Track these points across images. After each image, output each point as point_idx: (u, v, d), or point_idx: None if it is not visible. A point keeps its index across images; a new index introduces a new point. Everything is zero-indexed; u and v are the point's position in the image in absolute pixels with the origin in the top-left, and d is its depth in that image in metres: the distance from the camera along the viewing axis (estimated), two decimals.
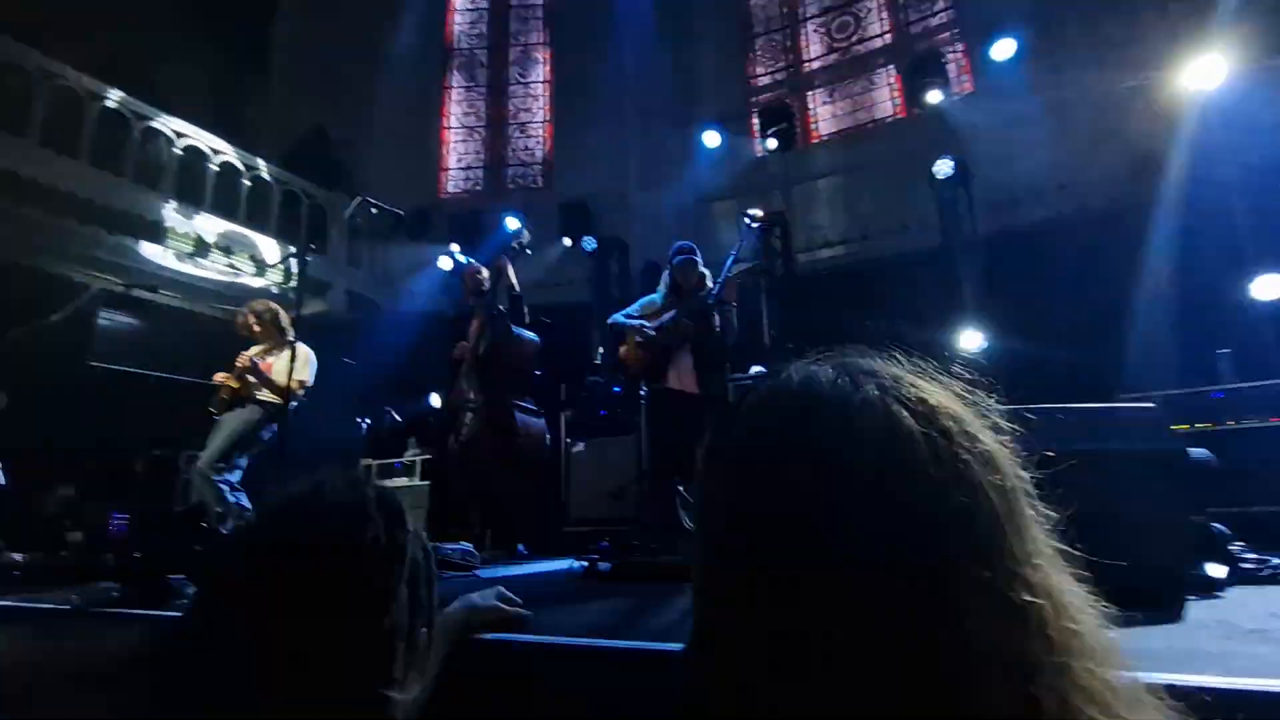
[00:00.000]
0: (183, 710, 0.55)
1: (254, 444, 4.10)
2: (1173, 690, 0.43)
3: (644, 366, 3.93)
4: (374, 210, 3.58)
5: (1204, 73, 5.51)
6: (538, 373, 4.60)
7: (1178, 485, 1.67)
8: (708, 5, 9.49)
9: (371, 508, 0.65)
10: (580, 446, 6.01)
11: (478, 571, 2.98)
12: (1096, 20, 6.92)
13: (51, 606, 2.08)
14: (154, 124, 7.10)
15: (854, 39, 8.94)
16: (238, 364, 4.18)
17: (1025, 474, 0.46)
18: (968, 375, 0.50)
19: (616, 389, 5.91)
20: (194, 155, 7.46)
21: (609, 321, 4.19)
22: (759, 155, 8.45)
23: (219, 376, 4.22)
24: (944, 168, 6.40)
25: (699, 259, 3.89)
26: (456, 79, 10.81)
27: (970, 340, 5.54)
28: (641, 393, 5.65)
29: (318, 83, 9.92)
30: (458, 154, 10.58)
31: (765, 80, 9.41)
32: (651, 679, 1.07)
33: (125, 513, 6.36)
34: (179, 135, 7.32)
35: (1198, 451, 1.89)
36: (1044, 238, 6.26)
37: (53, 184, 6.14)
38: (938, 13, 8.41)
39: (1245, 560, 1.90)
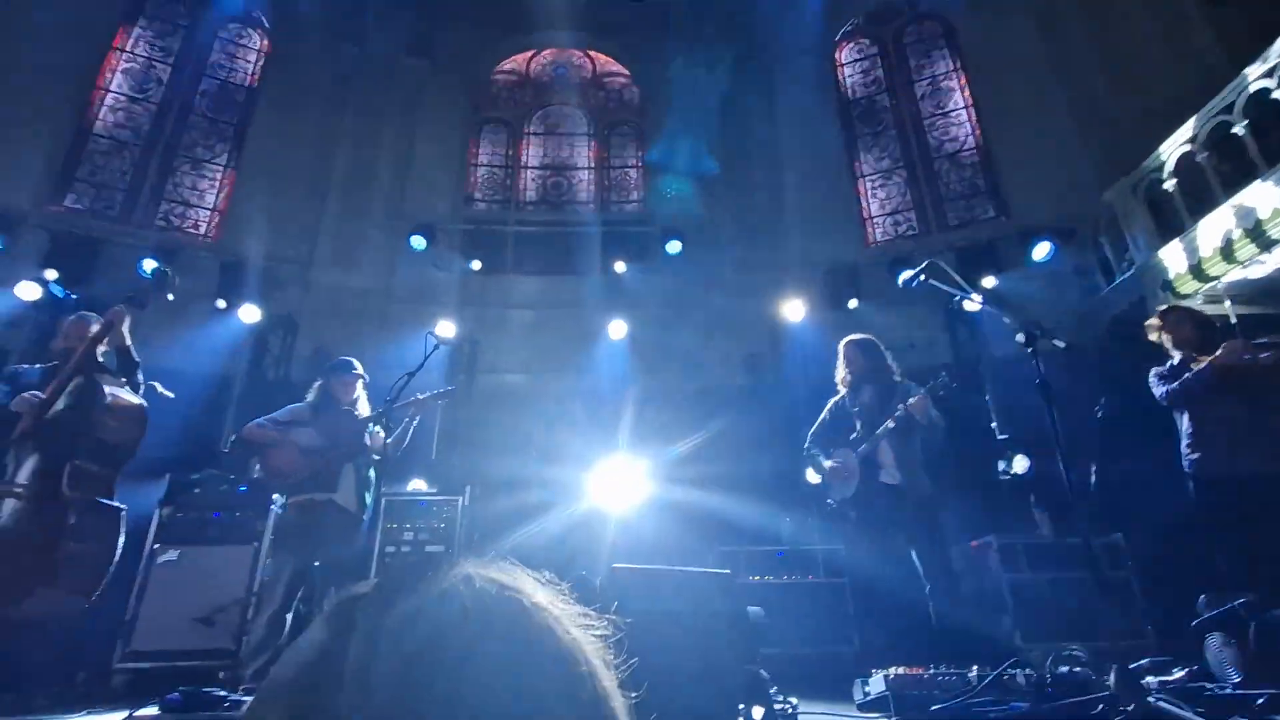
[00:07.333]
0: None
1: None
2: None
3: (301, 477, 3.72)
4: None
5: (793, 309, 7.62)
6: (131, 454, 3.67)
7: (737, 639, 2.08)
8: (442, 133, 9.84)
9: None
10: (172, 555, 4.84)
11: None
12: (737, 241, 9.03)
13: None
14: None
15: (564, 199, 10.10)
16: None
17: (608, 658, 0.56)
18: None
19: (243, 488, 5.02)
20: None
21: (246, 431, 3.81)
22: (462, 271, 8.63)
23: None
24: (617, 329, 7.42)
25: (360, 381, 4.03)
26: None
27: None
28: (275, 500, 4.95)
29: None
30: (90, 165, 8.53)
31: (482, 206, 9.89)
32: None
33: None
34: None
35: (754, 610, 2.38)
36: (690, 401, 7.53)
37: None
38: (632, 202, 10.07)
39: (776, 701, 2.39)
